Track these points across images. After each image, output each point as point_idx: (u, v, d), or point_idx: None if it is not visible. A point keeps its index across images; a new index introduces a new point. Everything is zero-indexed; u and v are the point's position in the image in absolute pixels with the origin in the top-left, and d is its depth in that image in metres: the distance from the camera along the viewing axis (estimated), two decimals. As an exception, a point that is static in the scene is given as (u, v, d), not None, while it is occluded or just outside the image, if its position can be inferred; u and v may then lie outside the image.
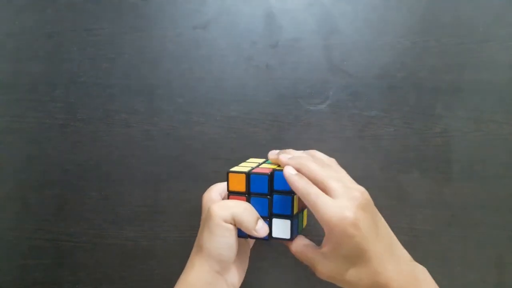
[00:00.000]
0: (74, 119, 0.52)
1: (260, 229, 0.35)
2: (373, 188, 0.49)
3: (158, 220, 0.52)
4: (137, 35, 0.51)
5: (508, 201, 0.50)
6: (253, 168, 0.39)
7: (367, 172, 0.50)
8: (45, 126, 0.52)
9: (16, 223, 0.53)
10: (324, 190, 0.34)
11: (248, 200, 0.37)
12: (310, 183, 0.34)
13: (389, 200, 0.50)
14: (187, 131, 0.51)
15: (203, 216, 0.38)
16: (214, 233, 0.34)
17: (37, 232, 0.53)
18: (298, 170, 0.35)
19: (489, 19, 0.49)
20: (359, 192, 0.34)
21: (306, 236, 0.39)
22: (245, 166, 0.40)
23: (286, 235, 0.37)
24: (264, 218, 0.37)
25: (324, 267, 0.34)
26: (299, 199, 0.39)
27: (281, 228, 0.37)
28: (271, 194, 0.37)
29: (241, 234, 0.36)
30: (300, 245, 0.37)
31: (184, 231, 0.52)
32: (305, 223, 0.44)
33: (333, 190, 0.33)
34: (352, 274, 0.33)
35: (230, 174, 0.37)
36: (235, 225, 0.35)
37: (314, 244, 0.37)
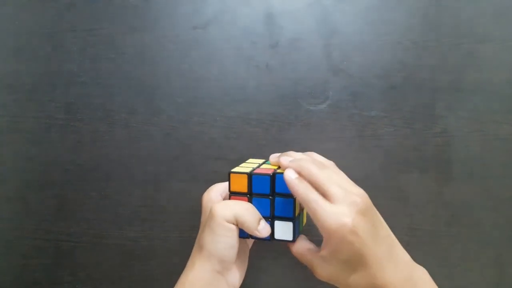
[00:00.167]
0: (74, 119, 0.52)
1: (262, 229, 0.36)
2: (373, 188, 0.49)
3: (158, 220, 0.52)
4: (137, 35, 0.51)
5: (508, 201, 0.50)
6: (254, 169, 0.39)
7: (367, 172, 0.50)
8: (45, 126, 0.52)
9: (16, 223, 0.53)
10: (324, 194, 0.34)
11: (249, 201, 0.37)
12: (310, 187, 0.34)
13: (389, 200, 0.50)
14: (187, 131, 0.51)
15: (204, 216, 0.39)
16: (216, 233, 0.34)
17: (37, 232, 0.53)
18: (298, 173, 0.35)
19: (489, 19, 0.49)
20: (358, 196, 0.33)
21: (306, 235, 0.40)
22: (245, 167, 0.40)
23: (289, 237, 0.37)
24: (265, 218, 0.37)
25: (323, 270, 0.35)
26: None
27: (284, 230, 0.37)
28: (273, 194, 0.37)
29: (243, 235, 0.36)
30: (301, 247, 0.37)
31: (184, 231, 0.52)
32: (304, 221, 0.44)
33: (333, 194, 0.33)
34: (351, 277, 0.33)
35: (231, 175, 0.37)
36: (237, 225, 0.35)
37: (314, 246, 0.37)
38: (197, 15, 0.51)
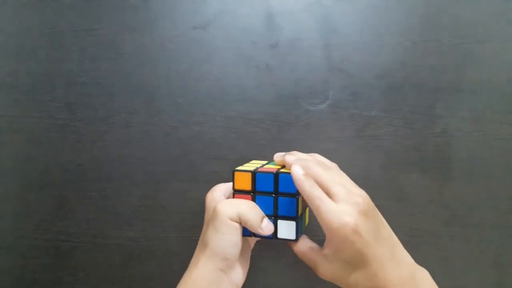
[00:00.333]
0: (74, 119, 0.52)
1: (265, 227, 0.36)
2: (373, 188, 0.49)
3: (158, 220, 0.52)
4: (137, 35, 0.51)
5: (508, 201, 0.50)
6: (258, 168, 0.39)
7: (367, 172, 0.50)
8: (45, 126, 0.52)
9: (16, 223, 0.53)
10: (327, 193, 0.34)
11: (253, 199, 0.38)
12: (316, 185, 0.34)
13: (389, 200, 0.50)
14: (187, 131, 0.51)
15: (208, 215, 0.39)
16: (220, 231, 0.34)
17: (37, 232, 0.53)
18: (299, 173, 0.36)
19: (489, 19, 0.49)
20: (361, 197, 0.34)
21: (308, 235, 0.40)
22: (249, 166, 0.40)
23: (292, 236, 0.37)
24: (269, 216, 0.37)
25: (326, 269, 0.35)
26: (303, 199, 0.39)
27: (287, 229, 0.37)
28: (276, 193, 0.37)
29: (246, 233, 0.37)
30: (303, 246, 0.37)
31: (184, 231, 0.52)
32: (307, 221, 0.44)
33: (336, 194, 0.33)
34: (352, 276, 0.34)
35: (235, 173, 0.38)
36: (240, 223, 0.35)
37: (316, 245, 0.37)
38: (197, 15, 0.51)
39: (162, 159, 0.52)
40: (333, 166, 0.39)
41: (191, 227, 0.51)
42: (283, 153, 0.40)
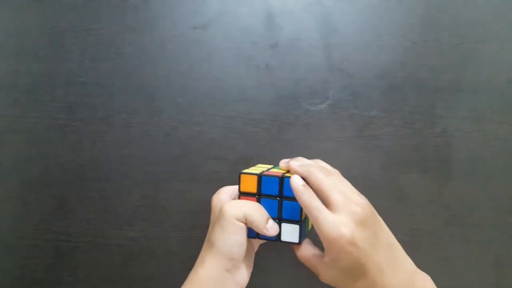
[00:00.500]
0: (74, 119, 0.52)
1: (271, 228, 0.37)
2: (373, 188, 0.49)
3: (158, 220, 0.52)
4: (137, 35, 0.51)
5: (508, 201, 0.50)
6: (264, 171, 0.40)
7: (367, 172, 0.50)
8: (45, 126, 0.52)
9: (16, 223, 0.53)
10: (326, 200, 0.34)
11: (258, 201, 0.38)
12: (314, 196, 0.35)
13: (389, 200, 0.50)
14: (187, 131, 0.51)
15: (214, 216, 0.40)
16: (226, 230, 0.35)
17: (37, 232, 0.53)
18: (305, 178, 0.36)
19: (489, 19, 0.49)
20: (359, 206, 0.34)
21: (311, 236, 0.40)
22: (255, 170, 0.41)
23: (295, 239, 0.38)
24: (273, 219, 0.38)
25: (327, 275, 0.36)
26: None
27: (290, 232, 0.38)
28: (281, 197, 0.38)
29: (250, 235, 0.37)
30: (306, 252, 0.38)
31: (184, 231, 0.52)
32: (310, 225, 0.44)
33: (334, 202, 0.34)
34: (352, 284, 0.34)
35: (242, 176, 0.39)
36: (246, 224, 0.36)
37: (319, 251, 0.38)
38: (197, 15, 0.51)
39: (162, 159, 0.52)
40: (335, 172, 0.40)
41: (191, 227, 0.51)
42: (288, 159, 0.40)
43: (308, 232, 0.42)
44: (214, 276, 0.35)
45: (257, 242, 0.43)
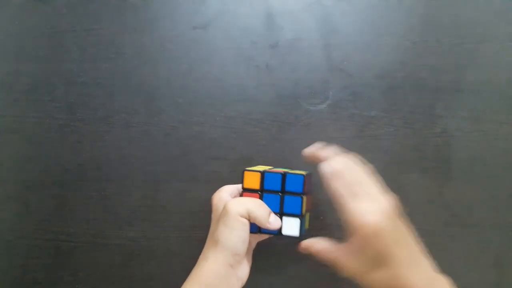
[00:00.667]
0: (74, 119, 0.52)
1: (273, 221, 0.39)
2: (373, 188, 0.49)
3: (158, 220, 0.52)
4: (137, 35, 0.51)
5: (508, 201, 0.50)
6: (266, 170, 0.41)
7: (367, 172, 0.50)
8: (45, 126, 0.52)
9: (16, 223, 0.53)
10: (355, 191, 0.35)
11: (260, 197, 0.40)
12: (344, 183, 0.35)
13: (389, 200, 0.50)
14: (187, 131, 0.51)
15: (215, 214, 0.40)
16: (231, 227, 0.37)
17: (37, 232, 0.53)
18: (336, 167, 0.37)
19: (489, 19, 0.49)
20: (387, 200, 0.35)
21: (311, 236, 0.40)
22: (257, 168, 0.42)
23: (295, 232, 0.39)
24: (275, 214, 0.40)
25: (348, 265, 0.36)
26: (307, 201, 0.41)
27: (291, 226, 0.39)
28: (283, 192, 0.40)
29: (253, 230, 0.38)
30: (323, 244, 0.38)
31: (184, 231, 0.52)
32: (307, 225, 0.44)
33: (363, 194, 0.35)
34: (373, 274, 0.35)
35: (245, 172, 0.40)
36: (249, 220, 0.37)
37: (336, 242, 0.38)
38: (197, 15, 0.51)
39: (162, 159, 0.52)
40: (367, 167, 0.40)
41: (191, 227, 0.51)
42: (316, 147, 0.41)
43: (304, 232, 0.42)
44: (219, 272, 0.36)
45: (255, 239, 0.43)
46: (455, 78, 0.49)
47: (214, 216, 0.41)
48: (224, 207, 0.38)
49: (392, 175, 0.50)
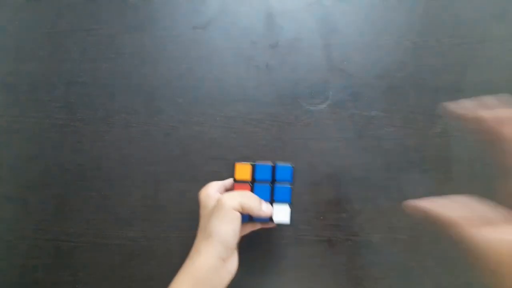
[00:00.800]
0: (74, 119, 0.52)
1: (266, 209, 0.40)
2: (373, 188, 0.49)
3: (158, 220, 0.52)
4: (137, 35, 0.51)
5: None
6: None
7: (367, 172, 0.50)
8: (45, 126, 0.52)
9: (16, 223, 0.53)
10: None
11: (252, 188, 0.41)
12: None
13: (389, 200, 0.50)
14: (187, 131, 0.51)
15: (204, 210, 0.41)
16: (224, 220, 0.38)
17: (37, 232, 0.53)
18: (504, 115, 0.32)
19: (489, 19, 0.49)
20: None
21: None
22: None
23: (286, 219, 0.41)
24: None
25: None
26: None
27: (282, 214, 0.41)
28: (273, 181, 0.41)
29: (244, 220, 0.40)
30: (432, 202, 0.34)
31: (184, 231, 0.52)
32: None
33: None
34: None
35: (237, 165, 0.42)
36: (242, 212, 0.39)
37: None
38: (197, 15, 0.51)
39: (162, 159, 0.52)
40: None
41: (191, 227, 0.51)
42: (471, 102, 0.36)
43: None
44: (211, 265, 0.37)
45: (241, 233, 0.44)
46: (455, 78, 0.49)
47: (202, 211, 0.42)
48: (218, 202, 0.39)
49: (392, 175, 0.50)
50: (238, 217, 0.38)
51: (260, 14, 0.50)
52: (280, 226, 0.49)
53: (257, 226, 0.45)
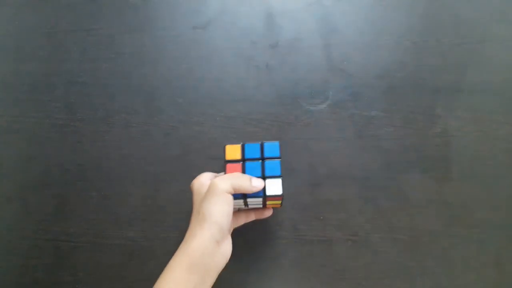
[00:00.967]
0: (74, 119, 0.52)
1: (256, 183, 0.41)
2: (373, 188, 0.49)
3: (158, 220, 0.52)
4: (137, 35, 0.51)
5: (508, 201, 0.50)
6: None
7: (367, 172, 0.50)
8: (45, 126, 0.52)
9: (16, 223, 0.53)
10: None
11: (243, 166, 0.43)
12: None
13: (389, 200, 0.50)
14: (187, 131, 0.51)
15: (197, 197, 0.42)
16: (217, 202, 0.39)
17: (37, 232, 0.53)
18: None
19: (489, 19, 0.49)
20: None
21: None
22: None
23: (279, 191, 0.42)
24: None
25: None
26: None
27: (274, 186, 0.42)
28: (263, 158, 0.43)
29: (237, 197, 0.41)
30: None
31: (184, 231, 0.51)
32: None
33: None
34: None
35: (227, 146, 0.43)
36: (234, 192, 0.40)
37: None
38: (197, 15, 0.51)
39: (162, 159, 0.52)
40: None
41: (191, 227, 0.51)
42: None
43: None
44: (206, 247, 0.38)
45: (234, 222, 0.45)
46: (455, 78, 0.49)
47: (196, 198, 0.43)
48: (210, 186, 0.40)
49: (392, 175, 0.50)
50: (230, 199, 0.39)
51: (260, 14, 0.50)
52: (280, 226, 0.49)
53: (251, 218, 0.45)
